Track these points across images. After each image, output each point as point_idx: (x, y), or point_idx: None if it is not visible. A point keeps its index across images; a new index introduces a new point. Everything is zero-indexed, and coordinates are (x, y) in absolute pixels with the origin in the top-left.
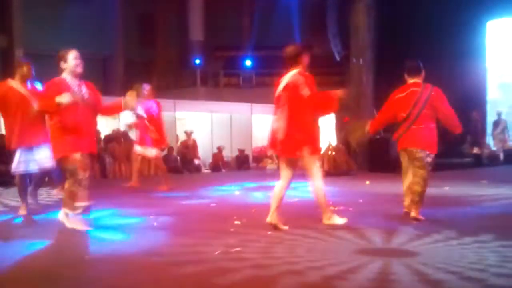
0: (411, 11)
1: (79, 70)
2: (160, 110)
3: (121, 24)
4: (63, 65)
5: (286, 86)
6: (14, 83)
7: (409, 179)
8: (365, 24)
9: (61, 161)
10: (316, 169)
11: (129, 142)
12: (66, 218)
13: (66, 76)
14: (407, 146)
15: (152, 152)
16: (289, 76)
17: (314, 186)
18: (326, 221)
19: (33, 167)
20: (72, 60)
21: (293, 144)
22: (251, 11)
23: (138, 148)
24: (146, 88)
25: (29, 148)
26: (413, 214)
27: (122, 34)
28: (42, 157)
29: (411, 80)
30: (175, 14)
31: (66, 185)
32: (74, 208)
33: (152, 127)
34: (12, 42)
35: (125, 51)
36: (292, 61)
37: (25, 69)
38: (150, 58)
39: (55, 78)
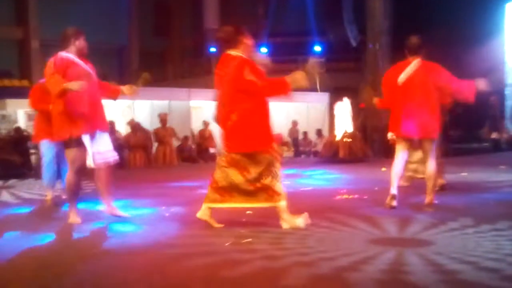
0: None
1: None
2: None
3: (136, 13)
4: (245, 41)
5: (417, 73)
6: (72, 56)
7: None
8: (381, 8)
9: (260, 152)
10: (433, 151)
11: (144, 132)
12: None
13: (239, 53)
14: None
15: None
16: (416, 64)
17: (428, 168)
18: (427, 198)
19: (101, 160)
20: (249, 37)
21: (423, 126)
22: None
23: None
24: None
25: (93, 134)
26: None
27: (137, 24)
28: (106, 149)
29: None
30: (190, 2)
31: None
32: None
33: None
34: (28, 33)
35: (140, 41)
36: (416, 50)
37: (82, 40)
38: (165, 47)
39: (239, 56)
